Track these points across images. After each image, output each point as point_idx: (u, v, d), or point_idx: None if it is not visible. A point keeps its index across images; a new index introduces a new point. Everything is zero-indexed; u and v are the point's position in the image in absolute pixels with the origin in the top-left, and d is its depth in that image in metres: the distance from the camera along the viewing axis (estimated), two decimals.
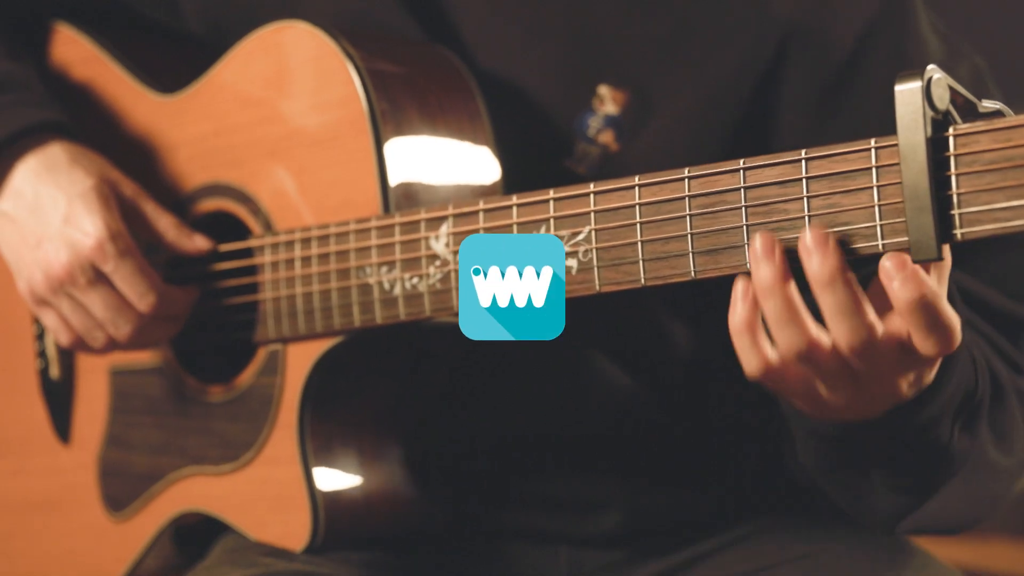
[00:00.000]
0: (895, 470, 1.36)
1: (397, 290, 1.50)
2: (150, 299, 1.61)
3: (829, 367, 1.25)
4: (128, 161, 1.75)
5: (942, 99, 1.18)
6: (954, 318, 1.21)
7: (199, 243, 1.66)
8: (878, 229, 1.20)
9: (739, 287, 1.26)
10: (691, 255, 1.29)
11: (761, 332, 1.26)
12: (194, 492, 1.68)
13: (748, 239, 1.26)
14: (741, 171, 1.26)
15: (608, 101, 1.59)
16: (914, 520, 1.44)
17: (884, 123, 1.22)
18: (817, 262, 1.21)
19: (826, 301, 1.22)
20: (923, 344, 1.21)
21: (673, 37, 1.59)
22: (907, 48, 1.55)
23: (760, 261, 1.23)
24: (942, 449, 1.34)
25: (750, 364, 1.26)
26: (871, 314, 1.22)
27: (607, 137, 1.59)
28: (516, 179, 1.56)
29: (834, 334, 1.23)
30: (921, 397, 1.29)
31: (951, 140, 1.16)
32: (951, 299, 1.52)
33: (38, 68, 1.80)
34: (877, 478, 1.37)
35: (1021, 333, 1.60)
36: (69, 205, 1.61)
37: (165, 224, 1.66)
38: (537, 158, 1.58)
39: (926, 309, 1.20)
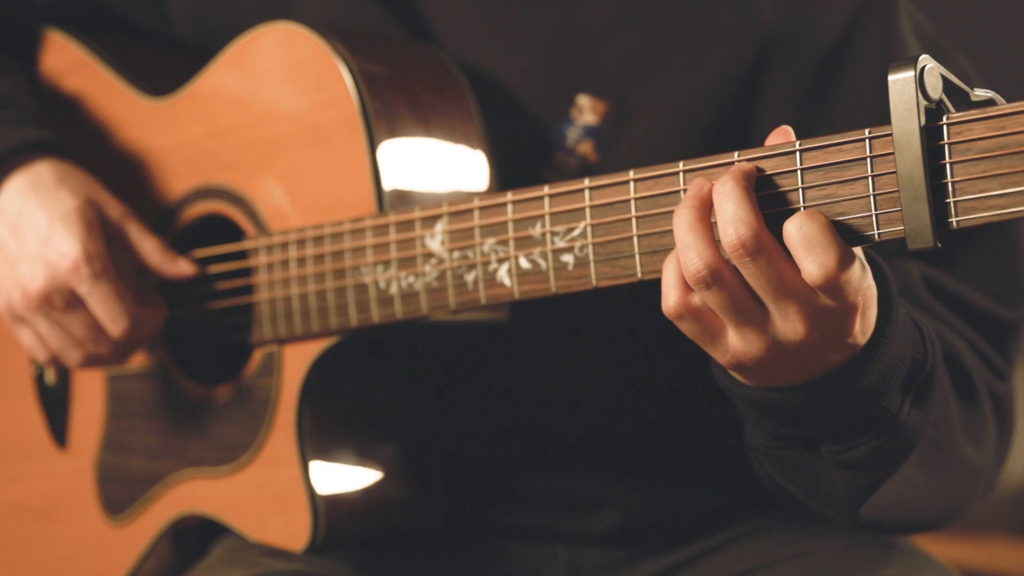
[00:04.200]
0: (844, 442, 1.34)
1: (393, 289, 1.50)
2: (122, 324, 1.61)
3: (740, 304, 1.23)
4: (120, 166, 1.75)
5: (935, 88, 1.18)
6: (835, 246, 1.20)
7: (183, 267, 1.65)
8: (874, 219, 1.20)
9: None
10: None
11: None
12: (193, 494, 1.68)
13: None
14: (736, 163, 1.26)
15: (587, 111, 1.59)
16: (876, 507, 1.42)
17: (866, 126, 1.22)
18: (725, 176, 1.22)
19: (720, 205, 1.22)
20: (805, 264, 1.20)
21: (654, 47, 1.60)
22: (888, 51, 1.55)
23: (685, 200, 1.25)
24: (891, 421, 1.33)
25: (669, 298, 1.25)
26: (755, 215, 1.21)
27: (586, 147, 1.60)
28: (495, 189, 1.56)
29: (721, 230, 1.21)
30: (856, 363, 1.28)
31: (945, 129, 1.17)
32: (913, 293, 1.52)
33: (28, 80, 1.80)
34: (827, 454, 1.36)
35: (1004, 336, 1.60)
36: (50, 226, 1.61)
37: (149, 247, 1.65)
38: (516, 168, 1.59)
39: (799, 229, 1.20)
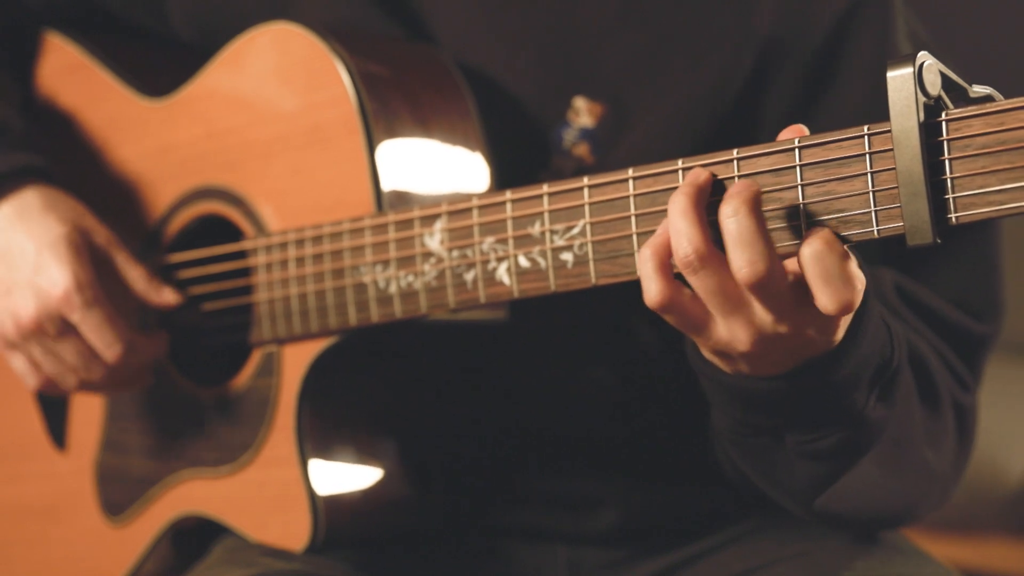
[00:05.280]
0: (811, 432, 1.35)
1: (393, 288, 1.50)
2: (116, 349, 1.61)
3: (727, 291, 1.23)
4: (118, 167, 1.75)
5: (934, 84, 1.18)
6: (853, 277, 1.20)
7: (167, 296, 1.65)
8: (873, 215, 1.20)
9: (661, 225, 1.26)
10: None
11: (667, 262, 1.25)
12: (193, 495, 1.67)
13: None
14: (735, 161, 1.26)
15: (584, 113, 1.59)
16: (831, 499, 1.43)
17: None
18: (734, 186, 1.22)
19: (728, 228, 1.22)
20: (820, 296, 1.20)
21: (652, 50, 1.60)
22: (883, 56, 1.55)
23: (682, 186, 1.25)
24: (858, 415, 1.33)
25: (650, 290, 1.25)
26: (770, 249, 1.21)
27: (582, 150, 1.60)
28: (494, 190, 1.56)
29: (733, 264, 1.22)
30: (833, 356, 1.28)
31: (944, 125, 1.17)
32: (886, 301, 1.53)
33: (23, 88, 1.80)
34: (791, 444, 1.36)
35: (972, 349, 1.60)
36: (38, 254, 1.61)
37: (135, 276, 1.65)
38: (513, 171, 1.59)
39: (820, 261, 1.20)
